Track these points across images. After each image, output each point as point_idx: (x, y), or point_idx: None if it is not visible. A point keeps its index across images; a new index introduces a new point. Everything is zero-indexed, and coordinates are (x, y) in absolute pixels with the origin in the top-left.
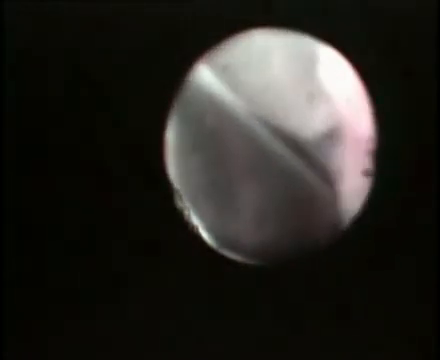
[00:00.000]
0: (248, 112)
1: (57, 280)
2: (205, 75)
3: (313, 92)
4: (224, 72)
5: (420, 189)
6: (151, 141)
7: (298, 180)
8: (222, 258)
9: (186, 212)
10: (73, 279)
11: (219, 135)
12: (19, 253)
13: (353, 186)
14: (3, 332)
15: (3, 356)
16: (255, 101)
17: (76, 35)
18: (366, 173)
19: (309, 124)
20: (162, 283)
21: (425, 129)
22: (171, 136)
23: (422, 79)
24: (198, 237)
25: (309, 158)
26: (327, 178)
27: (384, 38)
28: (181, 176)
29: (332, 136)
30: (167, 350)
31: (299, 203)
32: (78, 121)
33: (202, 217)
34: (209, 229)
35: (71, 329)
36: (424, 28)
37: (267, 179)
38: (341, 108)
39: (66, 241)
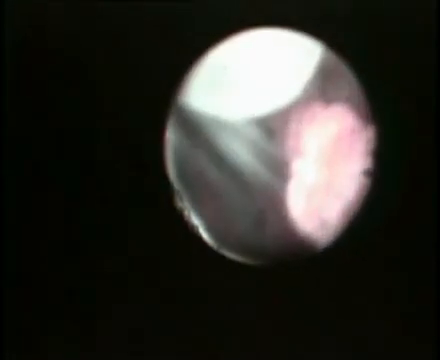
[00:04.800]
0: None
1: (57, 281)
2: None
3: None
4: (224, 72)
5: (420, 189)
6: (151, 141)
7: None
8: (222, 258)
9: (186, 212)
10: (73, 279)
11: (218, 135)
12: (19, 254)
13: (353, 186)
14: (3, 333)
15: (3, 356)
16: (254, 100)
17: (76, 35)
18: (366, 173)
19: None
20: (162, 283)
21: (425, 129)
22: (171, 136)
23: (422, 80)
24: (198, 237)
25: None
26: (326, 178)
27: (384, 38)
28: (181, 176)
29: (331, 137)
30: (167, 349)
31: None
32: (78, 121)
33: (202, 217)
34: (209, 229)
35: (71, 330)
36: (424, 28)
37: (266, 179)
38: (341, 108)
39: (66, 241)
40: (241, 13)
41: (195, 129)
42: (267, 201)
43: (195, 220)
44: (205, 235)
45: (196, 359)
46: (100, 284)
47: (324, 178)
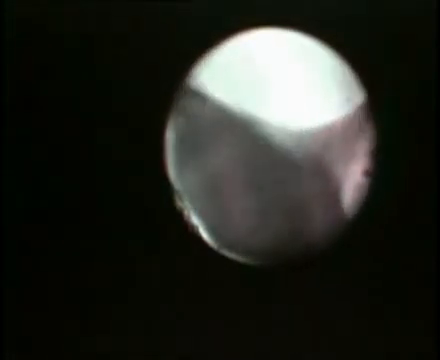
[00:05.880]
0: (246, 112)
1: (57, 281)
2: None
3: (312, 92)
4: (224, 72)
5: (420, 189)
6: (151, 141)
7: (295, 180)
8: (222, 258)
9: (186, 212)
10: (73, 280)
11: (218, 135)
12: (19, 255)
13: (353, 186)
14: (3, 333)
15: (3, 356)
16: (254, 100)
17: (76, 35)
18: (366, 173)
19: (307, 124)
20: (162, 283)
21: (425, 129)
22: (171, 136)
23: (422, 79)
24: (198, 237)
25: (304, 156)
26: (323, 175)
27: (384, 38)
28: (181, 176)
29: (330, 135)
30: (167, 349)
31: (296, 204)
32: (78, 121)
33: (202, 217)
34: (209, 229)
35: (71, 330)
36: (424, 28)
37: (264, 180)
38: (340, 108)
39: (66, 241)
40: (241, 13)
41: (217, 123)
42: (267, 201)
43: (195, 220)
44: (205, 235)
45: (196, 359)
46: (100, 284)
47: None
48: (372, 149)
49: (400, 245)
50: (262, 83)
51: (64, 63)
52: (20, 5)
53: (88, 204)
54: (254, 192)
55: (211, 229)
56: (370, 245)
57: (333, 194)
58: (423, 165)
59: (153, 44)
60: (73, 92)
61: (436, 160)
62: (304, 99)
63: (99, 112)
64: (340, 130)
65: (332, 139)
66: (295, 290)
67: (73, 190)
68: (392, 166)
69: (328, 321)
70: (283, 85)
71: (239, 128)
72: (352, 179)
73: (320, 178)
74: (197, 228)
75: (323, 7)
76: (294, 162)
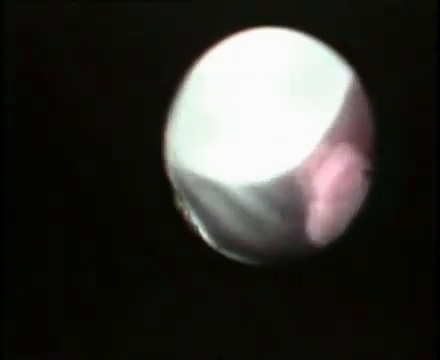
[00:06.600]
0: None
1: (56, 281)
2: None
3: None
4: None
5: (420, 188)
6: (151, 141)
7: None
8: (222, 258)
9: (186, 212)
10: (73, 279)
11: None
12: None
13: (352, 187)
14: (2, 332)
15: (3, 356)
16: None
17: (75, 36)
18: (366, 173)
19: (316, 169)
20: (162, 283)
21: (425, 129)
22: (171, 136)
23: (422, 79)
24: (198, 237)
25: (319, 197)
26: (337, 205)
27: (384, 38)
28: (181, 176)
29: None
30: (167, 349)
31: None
32: (78, 120)
33: (202, 217)
34: (209, 229)
35: (72, 329)
36: (424, 28)
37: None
38: (344, 147)
39: (65, 241)
40: (241, 13)
41: (189, 193)
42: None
43: (195, 220)
44: (205, 235)
45: (196, 359)
46: (100, 283)
47: (336, 206)
48: (372, 149)
49: (400, 245)
50: (219, 141)
51: (63, 63)
52: (20, 5)
53: (88, 204)
54: (239, 216)
55: (211, 229)
56: (370, 245)
57: (299, 227)
58: (423, 164)
59: (153, 44)
60: (73, 92)
61: (436, 160)
62: (264, 148)
63: (99, 112)
64: (302, 172)
65: (294, 182)
66: (295, 290)
67: (72, 190)
68: (392, 166)
69: (328, 321)
70: (242, 135)
71: (202, 191)
72: (319, 215)
73: (285, 217)
74: (197, 228)
75: (323, 7)
76: (259, 212)
